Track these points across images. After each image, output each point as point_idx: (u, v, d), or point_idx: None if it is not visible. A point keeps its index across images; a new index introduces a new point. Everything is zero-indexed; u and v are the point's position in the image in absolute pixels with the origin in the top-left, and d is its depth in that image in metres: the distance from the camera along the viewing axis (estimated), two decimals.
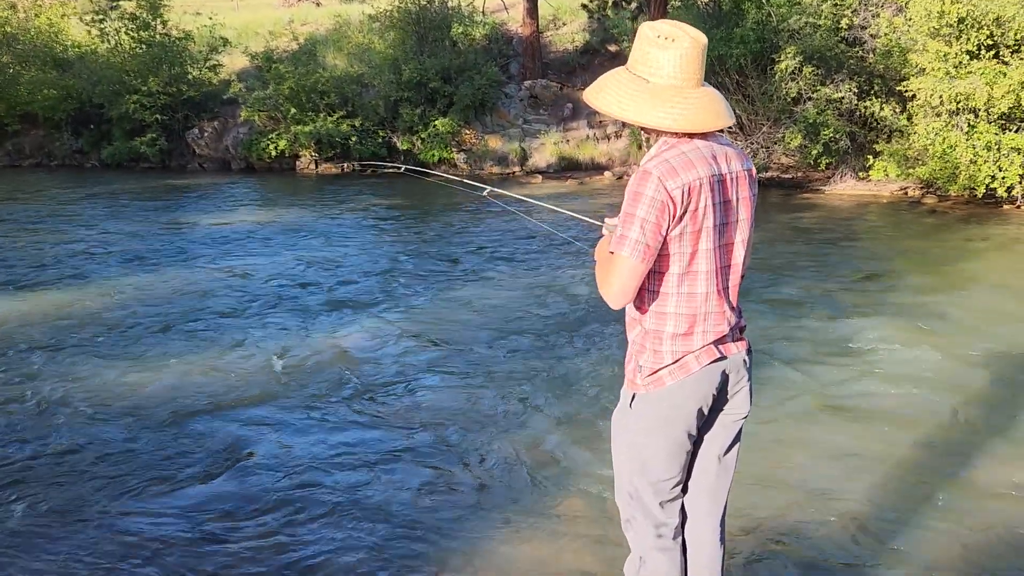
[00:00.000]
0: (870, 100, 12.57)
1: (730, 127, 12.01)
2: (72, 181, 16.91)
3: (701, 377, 2.26)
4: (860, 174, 13.13)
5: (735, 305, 2.32)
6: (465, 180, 3.33)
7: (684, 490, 2.45)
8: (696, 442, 2.38)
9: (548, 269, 8.28)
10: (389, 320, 6.67)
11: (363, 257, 9.17)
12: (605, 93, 2.21)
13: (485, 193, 3.24)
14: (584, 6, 19.32)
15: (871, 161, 12.32)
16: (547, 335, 6.18)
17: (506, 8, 20.32)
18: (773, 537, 3.43)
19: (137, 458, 4.28)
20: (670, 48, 2.13)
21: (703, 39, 2.18)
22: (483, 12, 19.63)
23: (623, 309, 2.33)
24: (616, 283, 2.18)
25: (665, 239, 2.15)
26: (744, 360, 2.36)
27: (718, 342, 2.28)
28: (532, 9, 18.85)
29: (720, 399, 2.35)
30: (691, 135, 2.19)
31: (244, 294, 7.58)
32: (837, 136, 12.85)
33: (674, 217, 2.13)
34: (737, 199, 2.26)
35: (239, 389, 5.22)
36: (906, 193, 12.53)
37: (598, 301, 2.32)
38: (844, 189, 13.29)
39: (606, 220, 2.47)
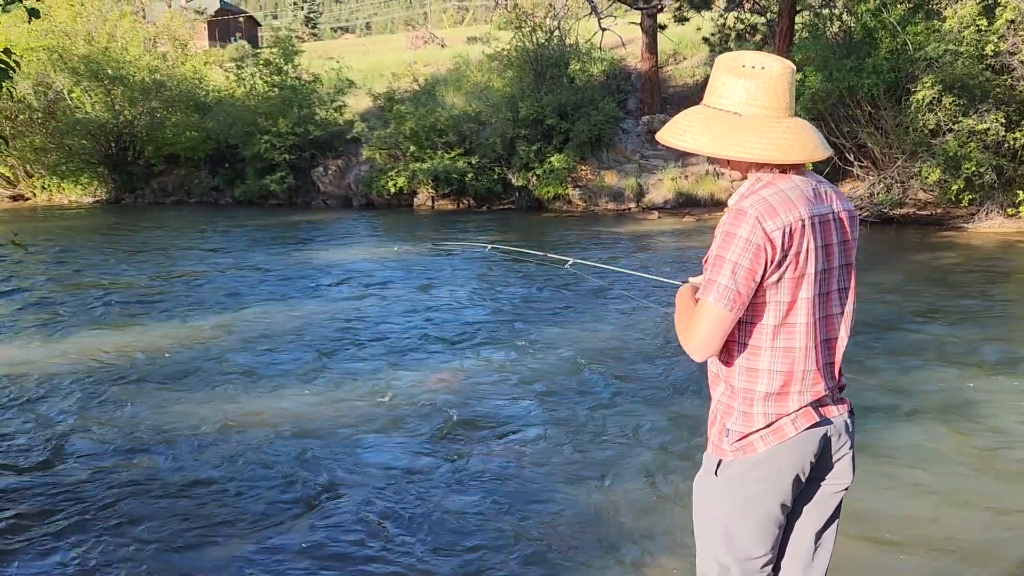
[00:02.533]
0: (1020, 131, 11.58)
1: (861, 163, 11.32)
2: (208, 216, 17.87)
3: (798, 443, 1.99)
4: (1008, 211, 12.08)
5: (837, 362, 2.05)
6: (549, 255, 3.14)
7: (776, 569, 2.16)
8: (791, 515, 2.10)
9: (658, 320, 7.93)
10: (495, 361, 6.53)
11: (474, 295, 9.10)
12: (687, 132, 1.99)
13: (568, 265, 3.02)
14: (706, 40, 18.93)
15: (1021, 196, 11.30)
16: (650, 388, 5.85)
17: (624, 44, 20.18)
18: None
19: (233, 493, 4.26)
20: (760, 76, 1.94)
21: (791, 66, 1.97)
22: (601, 48, 19.56)
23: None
24: (700, 333, 1.94)
25: (760, 286, 1.92)
26: (847, 423, 2.09)
27: (817, 403, 2.01)
28: (651, 44, 18.65)
29: (820, 467, 2.06)
30: (786, 170, 1.96)
31: (355, 329, 7.63)
32: (981, 170, 11.88)
33: (772, 262, 1.89)
34: (839, 242, 2.02)
35: (344, 427, 5.18)
36: None
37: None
38: (990, 227, 12.26)
39: (690, 279, 2.27)
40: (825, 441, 2.04)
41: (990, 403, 5.18)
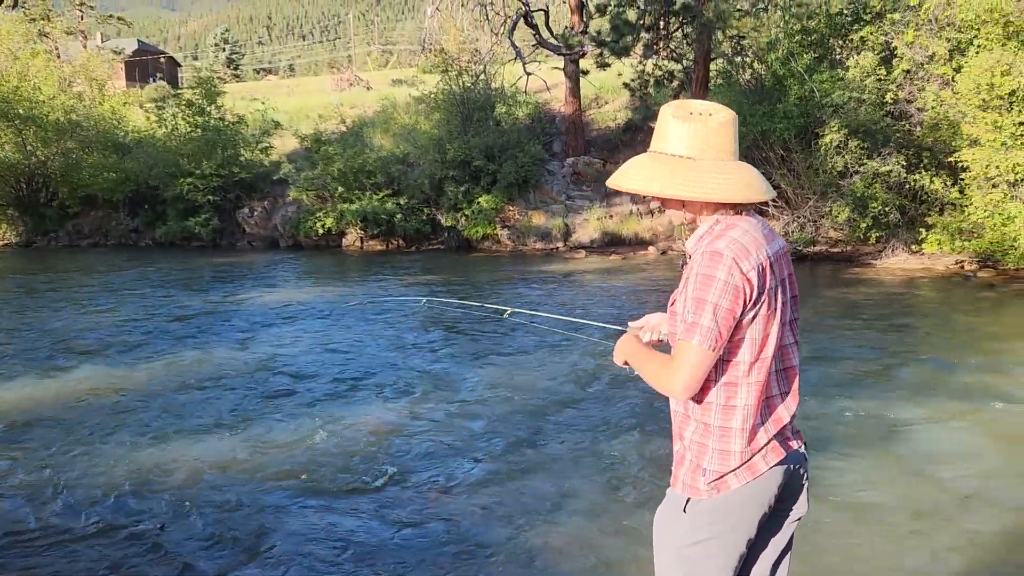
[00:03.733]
0: (919, 173, 12.36)
1: (775, 203, 11.84)
2: (126, 259, 17.37)
3: (768, 479, 2.05)
4: (912, 247, 12.81)
5: (795, 391, 2.14)
6: (487, 305, 3.22)
7: None
8: (755, 548, 2.16)
9: (590, 358, 8.10)
10: (426, 403, 6.53)
11: (403, 335, 9.11)
12: (639, 175, 2.05)
13: (506, 315, 3.10)
14: (626, 85, 19.60)
15: (924, 234, 12.03)
16: (583, 425, 5.97)
17: (548, 88, 20.71)
18: None
19: (155, 542, 4.16)
20: (709, 122, 2.02)
21: (734, 113, 2.08)
22: (526, 92, 20.03)
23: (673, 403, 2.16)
24: (686, 374, 1.97)
25: (738, 324, 1.98)
26: (804, 456, 2.17)
27: (780, 435, 2.09)
28: (575, 88, 19.19)
29: (781, 501, 2.13)
30: (739, 213, 2.06)
31: (282, 372, 7.54)
32: (886, 209, 12.60)
33: (750, 300, 1.96)
34: (787, 276, 2.13)
35: (270, 474, 5.10)
36: (961, 267, 12.15)
37: (650, 395, 2.20)
38: (895, 263, 12.96)
39: (630, 324, 2.36)
40: (789, 474, 2.10)
41: (906, 427, 5.48)
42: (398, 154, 18.67)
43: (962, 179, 11.64)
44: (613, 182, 2.11)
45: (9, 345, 8.85)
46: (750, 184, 2.01)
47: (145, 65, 53.97)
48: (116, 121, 22.10)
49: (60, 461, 5.31)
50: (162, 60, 58.05)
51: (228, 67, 75.10)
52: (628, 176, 2.07)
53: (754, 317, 1.99)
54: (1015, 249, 10.57)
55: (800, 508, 2.17)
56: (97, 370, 7.72)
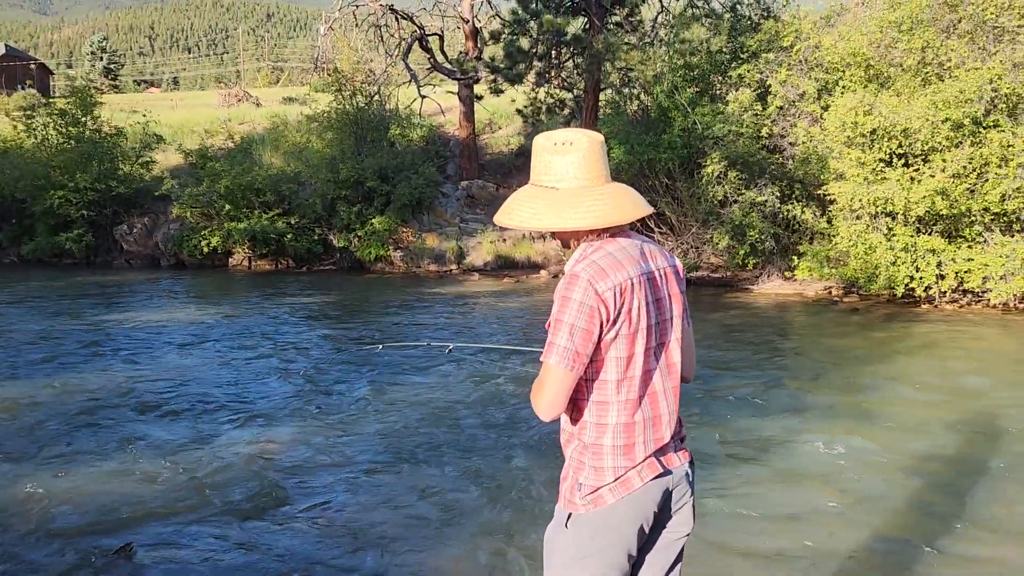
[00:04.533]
0: (791, 204, 13.14)
1: (661, 229, 12.29)
2: None
3: (644, 494, 2.12)
4: (786, 274, 13.57)
5: (676, 409, 2.21)
6: (432, 344, 3.25)
7: None
8: (635, 564, 2.22)
9: (483, 378, 8.18)
10: (310, 425, 6.42)
11: (290, 357, 8.93)
12: (518, 211, 2.12)
13: (448, 351, 3.13)
14: (519, 111, 19.97)
15: (795, 261, 12.77)
16: (479, 443, 6.02)
17: (443, 112, 20.85)
18: None
19: (28, 573, 3.93)
20: (570, 152, 2.09)
21: (599, 137, 2.15)
22: (420, 115, 20.09)
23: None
24: (545, 394, 2.06)
25: (599, 344, 2.06)
26: (687, 473, 2.24)
27: (660, 452, 2.16)
28: (468, 113, 19.40)
29: (663, 516, 2.20)
30: (614, 235, 2.14)
31: (161, 397, 7.25)
32: (762, 237, 13.31)
33: (607, 321, 2.04)
34: (668, 296, 2.19)
35: (150, 499, 4.90)
36: (830, 292, 12.96)
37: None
38: (771, 288, 13.69)
39: None
40: (667, 492, 2.17)
41: (779, 442, 5.81)
42: (289, 172, 18.31)
43: (830, 210, 12.44)
44: (497, 219, 2.19)
45: None
46: (618, 206, 2.09)
47: (13, 71, 50.87)
48: None
49: None
50: (32, 66, 54.90)
51: (106, 77, 71.78)
52: (506, 212, 2.16)
53: (615, 336, 2.05)
54: (877, 278, 11.36)
55: (685, 524, 2.24)
56: None
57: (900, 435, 5.94)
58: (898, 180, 10.90)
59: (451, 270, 17.13)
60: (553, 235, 2.23)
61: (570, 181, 2.10)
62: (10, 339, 9.78)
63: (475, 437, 6.02)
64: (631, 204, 2.12)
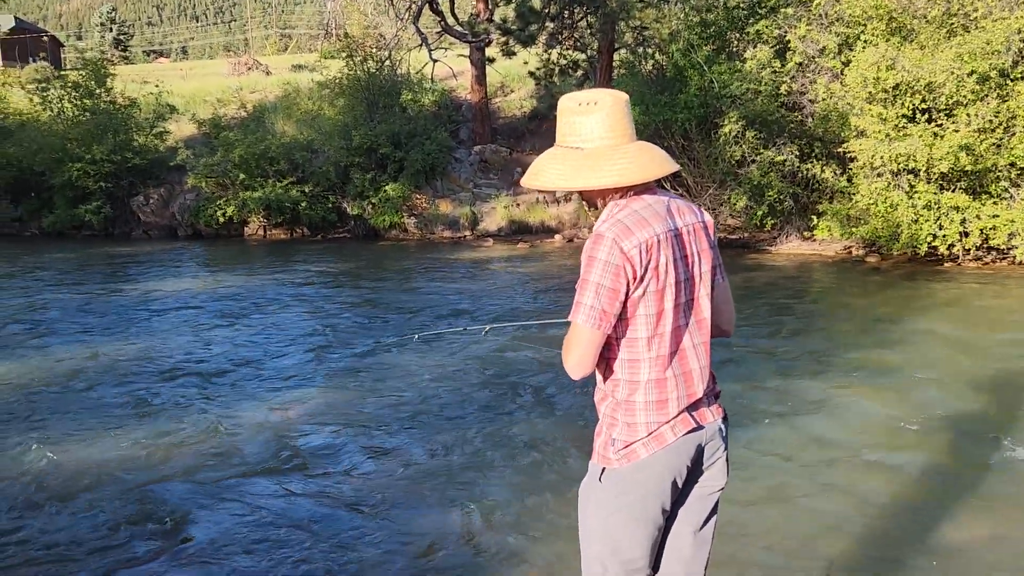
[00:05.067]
0: (811, 162, 12.95)
1: (677, 189, 12.18)
2: (10, 250, 16.37)
3: (677, 448, 2.13)
4: (804, 234, 13.43)
5: (707, 365, 2.21)
6: (468, 329, 3.24)
7: (655, 568, 2.28)
8: (669, 518, 2.24)
9: (508, 346, 8.15)
10: (331, 389, 6.46)
11: (308, 325, 8.96)
12: (544, 172, 2.14)
13: (485, 332, 3.13)
14: (531, 74, 19.72)
15: (815, 221, 12.62)
16: (499, 405, 6.03)
17: (455, 75, 20.63)
18: None
19: (68, 540, 3.98)
20: (594, 112, 2.10)
21: (623, 95, 2.14)
22: (432, 79, 19.89)
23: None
24: (575, 352, 2.08)
25: (627, 302, 2.06)
26: (720, 428, 2.25)
27: (693, 408, 2.17)
28: (480, 76, 19.18)
29: (695, 471, 2.22)
30: (640, 193, 2.13)
31: (184, 364, 7.30)
32: (781, 197, 13.16)
33: (634, 278, 2.04)
34: (697, 252, 2.18)
35: (176, 464, 4.95)
36: (849, 252, 12.82)
37: (555, 370, 2.24)
38: (789, 249, 13.56)
39: None
40: (700, 447, 2.18)
41: (804, 401, 5.78)
42: (302, 140, 18.22)
43: (850, 168, 12.27)
44: (524, 181, 2.21)
45: None
46: (643, 164, 2.08)
47: (24, 44, 50.75)
48: None
49: None
50: (44, 39, 54.77)
51: (116, 48, 71.52)
52: (532, 174, 2.18)
53: (643, 294, 2.06)
54: (899, 236, 11.22)
55: (718, 478, 2.25)
56: None
57: (924, 392, 5.89)
58: (921, 136, 10.71)
59: (465, 236, 17.08)
60: (580, 196, 2.22)
61: (595, 141, 2.10)
62: (35, 310, 9.85)
63: (500, 401, 6.02)
64: (656, 162, 2.12)
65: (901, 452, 4.84)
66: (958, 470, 4.59)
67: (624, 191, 2.12)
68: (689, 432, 2.14)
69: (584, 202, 2.22)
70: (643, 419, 2.12)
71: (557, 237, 16.36)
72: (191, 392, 6.44)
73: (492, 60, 19.49)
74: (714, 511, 2.29)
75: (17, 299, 10.70)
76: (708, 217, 2.29)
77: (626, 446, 2.13)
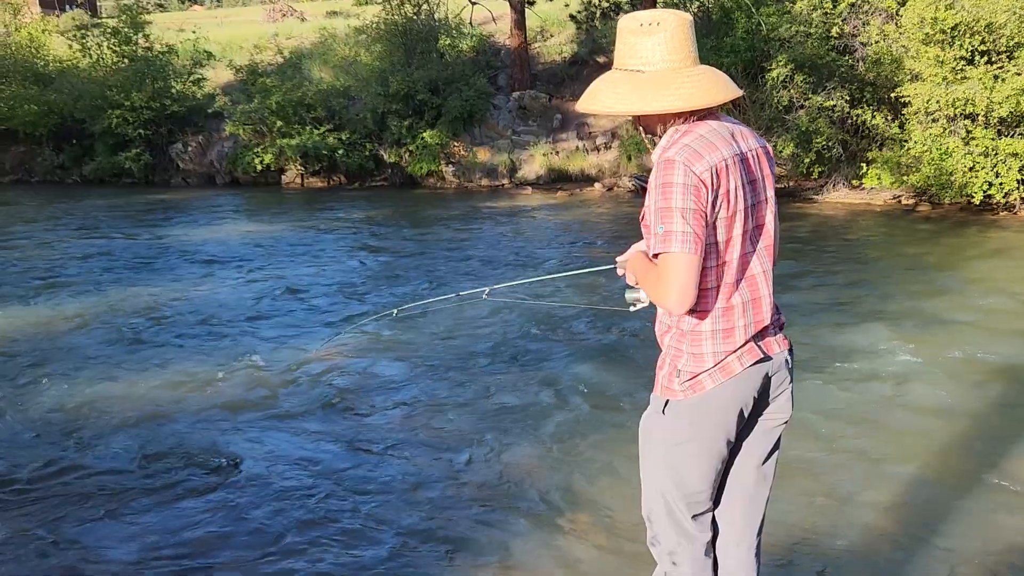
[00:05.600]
0: (861, 108, 12.52)
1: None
2: (54, 197, 16.60)
3: (744, 379, 2.07)
4: (853, 182, 13.04)
5: (771, 293, 2.13)
6: (462, 294, 3.13)
7: (716, 502, 2.24)
8: (733, 450, 2.18)
9: (548, 286, 8.08)
10: (370, 335, 6.45)
11: (345, 272, 8.96)
12: (601, 95, 2.05)
13: (485, 295, 3.01)
14: (572, 17, 19.27)
15: (864, 169, 12.24)
16: (548, 351, 5.98)
17: (494, 19, 20.24)
18: (799, 547, 3.24)
19: (123, 475, 4.05)
20: (656, 32, 1.99)
21: (687, 16, 2.04)
22: (471, 24, 19.53)
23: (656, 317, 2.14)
24: (675, 284, 1.94)
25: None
26: (787, 360, 2.18)
27: (759, 337, 2.10)
28: (520, 21, 18.77)
29: (761, 402, 2.16)
30: (702, 118, 2.03)
31: (225, 308, 7.35)
32: (830, 144, 12.78)
33: (707, 203, 1.95)
34: (762, 177, 2.11)
35: (222, 404, 5.00)
36: (899, 201, 12.44)
37: (601, 316, 2.16)
38: (837, 197, 13.21)
39: (618, 259, 2.32)
40: (767, 377, 2.12)
41: (857, 350, 5.64)
42: (339, 87, 18.08)
43: (903, 114, 11.83)
44: (579, 104, 2.11)
45: None
46: (707, 88, 1.99)
47: None
48: (35, 50, 20.80)
49: (2, 402, 5.10)
50: None
51: None
52: (587, 97, 2.08)
53: (714, 220, 1.99)
54: (951, 185, 10.84)
55: (783, 411, 2.20)
56: (35, 310, 7.41)
57: (977, 342, 5.71)
58: (980, 79, 10.26)
59: (503, 184, 16.92)
60: (636, 122, 2.12)
61: (656, 63, 2.00)
62: (89, 255, 9.99)
63: (550, 348, 5.98)
64: (720, 86, 2.02)
65: (950, 399, 4.71)
66: (1004, 422, 4.45)
67: (686, 116, 2.03)
68: (757, 363, 2.08)
69: (640, 128, 2.12)
70: (710, 348, 2.06)
71: (597, 186, 16.12)
72: (234, 336, 6.50)
73: (532, 3, 19.06)
74: (776, 445, 2.24)
75: (63, 244, 10.85)
76: (767, 144, 2.21)
77: (692, 377, 2.07)
